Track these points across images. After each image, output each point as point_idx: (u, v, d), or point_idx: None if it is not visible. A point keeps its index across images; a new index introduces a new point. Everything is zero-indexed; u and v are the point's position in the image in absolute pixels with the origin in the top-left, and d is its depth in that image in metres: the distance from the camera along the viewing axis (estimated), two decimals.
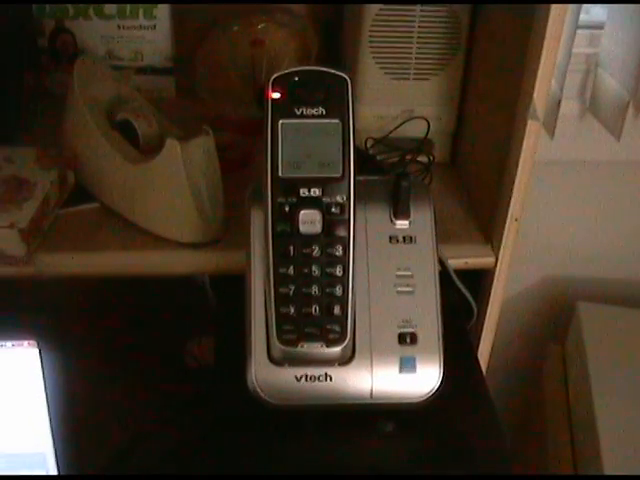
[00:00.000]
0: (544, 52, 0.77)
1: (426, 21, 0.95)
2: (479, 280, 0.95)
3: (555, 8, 0.75)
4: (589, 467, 1.19)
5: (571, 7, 1.02)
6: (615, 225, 1.43)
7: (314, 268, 0.70)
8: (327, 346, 0.70)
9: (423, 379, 0.73)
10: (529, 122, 0.81)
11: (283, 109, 0.70)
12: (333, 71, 0.71)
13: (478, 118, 0.99)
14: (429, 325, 0.74)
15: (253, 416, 0.75)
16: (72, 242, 0.87)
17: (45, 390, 0.84)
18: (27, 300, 0.96)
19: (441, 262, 0.84)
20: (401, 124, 1.00)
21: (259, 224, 0.73)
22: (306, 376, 0.72)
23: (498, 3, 0.91)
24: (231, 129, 1.02)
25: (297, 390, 0.72)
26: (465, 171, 1.02)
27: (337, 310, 0.70)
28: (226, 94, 1.09)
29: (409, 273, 0.75)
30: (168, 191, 0.85)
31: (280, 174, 0.70)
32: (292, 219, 0.70)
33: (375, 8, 0.94)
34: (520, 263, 0.96)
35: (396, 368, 0.72)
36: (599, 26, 1.25)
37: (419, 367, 0.73)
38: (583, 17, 1.18)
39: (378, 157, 0.99)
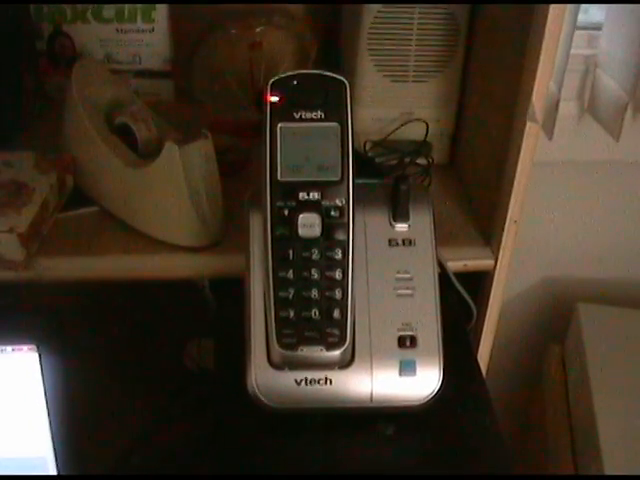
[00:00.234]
0: (543, 53, 0.77)
1: (424, 23, 0.95)
2: (478, 282, 0.94)
3: (553, 9, 0.75)
4: (589, 468, 1.19)
5: (569, 8, 1.02)
6: (614, 226, 1.43)
7: (313, 272, 0.70)
8: (327, 350, 0.70)
9: (423, 382, 0.73)
10: (528, 124, 0.81)
11: (282, 113, 0.70)
12: (332, 74, 0.71)
13: (477, 120, 0.99)
14: (429, 328, 0.74)
15: (253, 419, 0.75)
16: (71, 246, 0.87)
17: (45, 394, 0.84)
18: (27, 305, 0.96)
19: (440, 265, 0.84)
20: (400, 126, 1.00)
21: (258, 228, 0.73)
22: (306, 380, 0.72)
23: (497, 3, 0.91)
24: (229, 132, 1.01)
25: (297, 394, 0.72)
26: (464, 173, 1.02)
27: (337, 314, 0.70)
28: (224, 97, 1.10)
29: (408, 276, 0.75)
30: (167, 195, 0.85)
31: (279, 178, 0.70)
32: (291, 223, 0.70)
33: (373, 10, 0.94)
34: (519, 264, 0.96)
35: (396, 371, 0.72)
36: (597, 27, 1.25)
37: (419, 370, 0.73)
38: (581, 18, 1.18)
39: (377, 159, 0.99)
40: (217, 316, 0.99)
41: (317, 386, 0.72)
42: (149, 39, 1.10)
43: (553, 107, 1.15)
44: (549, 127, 1.16)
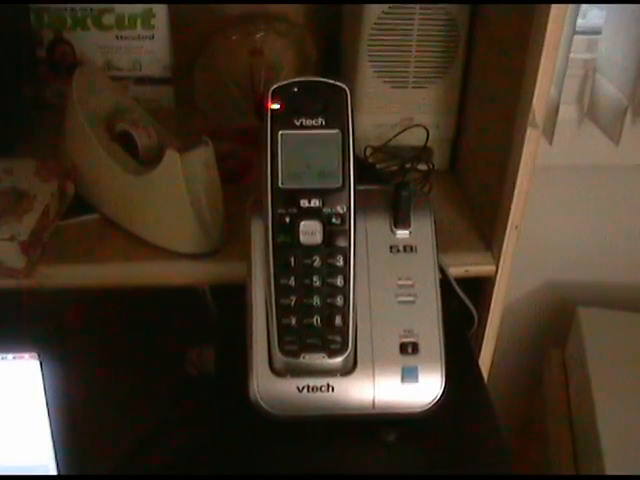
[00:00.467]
0: (543, 59, 0.77)
1: (424, 29, 0.95)
2: (480, 287, 0.94)
3: (553, 14, 0.75)
4: (590, 472, 1.19)
5: (569, 12, 1.02)
6: (615, 230, 1.43)
7: (315, 279, 0.70)
8: (329, 357, 0.70)
9: (425, 388, 0.73)
10: (528, 129, 0.81)
11: (282, 120, 0.70)
12: (332, 81, 0.71)
13: (477, 125, 0.99)
14: (431, 334, 0.74)
15: (254, 426, 0.75)
16: (72, 254, 0.87)
17: (46, 402, 0.84)
18: (28, 312, 0.96)
19: (442, 270, 0.84)
20: (400, 132, 1.00)
21: (259, 235, 0.73)
22: (308, 387, 0.72)
23: (496, 3, 0.91)
24: (230, 139, 1.02)
25: (299, 401, 0.72)
26: (465, 178, 1.02)
27: (338, 321, 0.70)
28: (225, 104, 1.10)
29: (410, 282, 0.75)
30: (168, 202, 0.85)
31: (280, 185, 0.70)
32: (292, 230, 0.70)
33: (374, 17, 0.94)
34: (520, 268, 0.96)
35: (398, 378, 0.72)
36: (597, 31, 1.25)
37: (421, 376, 0.73)
38: (580, 22, 1.18)
39: (377, 165, 0.99)
40: (218, 322, 0.99)
41: (319, 393, 0.72)
42: (149, 46, 1.10)
43: (553, 112, 1.15)
44: (549, 132, 1.17)
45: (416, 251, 0.76)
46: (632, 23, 1.15)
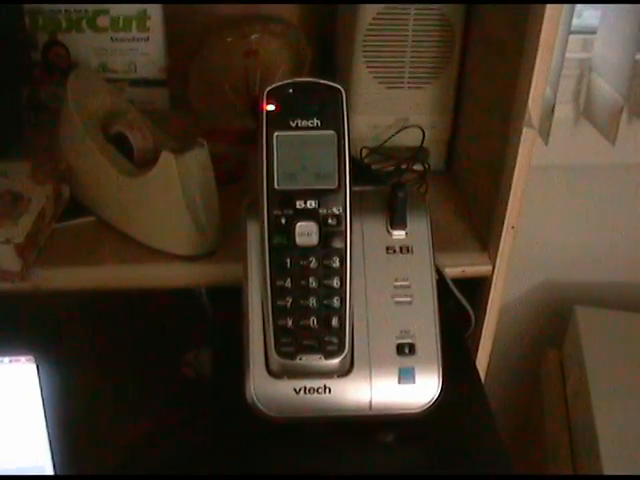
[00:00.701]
0: (538, 59, 0.77)
1: (419, 30, 0.95)
2: (476, 287, 0.94)
3: (548, 14, 0.75)
4: (588, 472, 1.19)
5: (564, 12, 1.02)
6: (611, 229, 1.43)
7: (311, 280, 0.70)
8: (325, 358, 0.70)
9: (422, 389, 0.73)
10: (524, 129, 0.81)
11: (278, 121, 0.70)
12: (327, 82, 0.71)
13: (473, 126, 0.99)
14: (427, 335, 0.74)
15: (251, 428, 0.74)
16: (68, 256, 0.87)
17: (43, 405, 0.84)
18: (24, 315, 0.96)
19: (438, 271, 0.84)
20: (396, 133, 1.00)
21: (255, 236, 0.73)
22: (305, 388, 0.71)
23: (491, 3, 0.91)
24: (225, 140, 1.01)
25: (296, 403, 0.72)
26: (461, 179, 1.02)
27: (335, 322, 0.70)
28: (220, 105, 1.09)
29: (406, 283, 0.75)
30: (164, 204, 0.85)
31: (276, 186, 0.70)
32: (288, 231, 0.70)
33: (369, 17, 0.94)
34: (517, 268, 0.96)
35: (395, 379, 0.72)
36: (592, 31, 1.25)
37: (418, 377, 0.72)
38: (576, 22, 1.18)
39: (373, 166, 0.99)
40: (214, 324, 0.99)
41: (316, 395, 0.72)
42: (144, 48, 1.10)
43: (549, 111, 1.15)
44: (545, 131, 1.17)
45: (412, 252, 0.76)
46: (627, 22, 1.15)
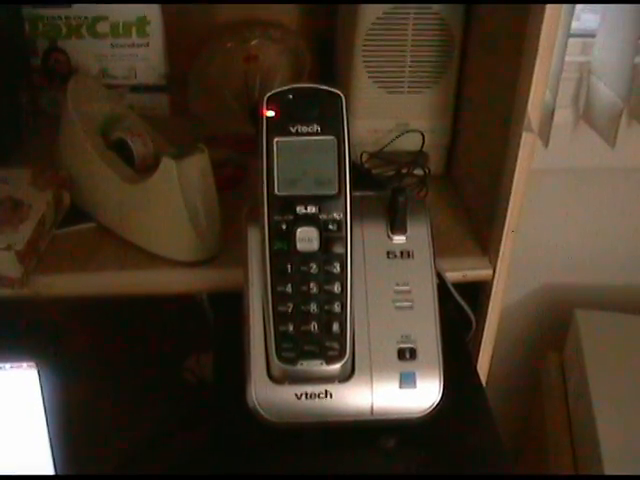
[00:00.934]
0: (537, 62, 0.77)
1: (419, 34, 0.95)
2: (477, 291, 0.94)
3: (548, 17, 0.75)
4: (590, 473, 1.19)
5: (563, 15, 1.02)
6: (611, 232, 1.43)
7: (312, 285, 0.70)
8: (327, 363, 0.70)
9: (423, 394, 0.73)
10: (524, 133, 0.81)
11: (278, 127, 0.70)
12: (327, 88, 0.71)
13: (473, 130, 0.99)
14: (428, 340, 0.74)
15: (252, 432, 0.74)
16: (69, 263, 0.87)
17: (44, 411, 0.84)
18: (25, 322, 0.96)
19: (439, 275, 0.84)
20: (396, 137, 1.00)
21: (256, 242, 0.73)
22: (306, 394, 0.71)
23: (489, 3, 0.91)
24: (226, 146, 1.02)
25: (297, 408, 0.72)
26: (461, 183, 1.02)
27: (336, 327, 0.70)
28: (220, 110, 1.10)
29: (407, 288, 0.75)
30: (164, 210, 0.85)
31: (276, 192, 0.70)
32: (289, 237, 0.70)
33: (368, 22, 0.94)
34: (517, 271, 0.96)
35: (396, 384, 0.72)
36: (591, 34, 1.25)
37: (419, 382, 0.72)
38: (575, 25, 1.18)
39: (373, 171, 0.99)
40: (215, 329, 0.99)
41: (317, 400, 0.71)
42: (144, 53, 1.10)
43: (548, 115, 1.15)
44: (545, 135, 1.17)
45: (413, 256, 0.76)
46: (626, 25, 1.15)
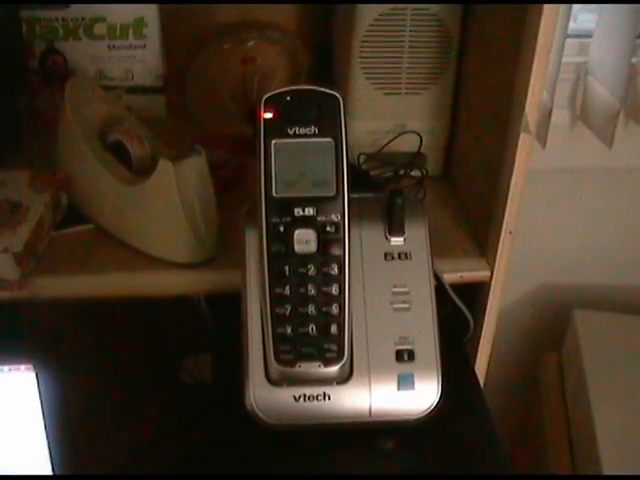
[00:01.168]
0: (535, 64, 0.77)
1: (416, 36, 0.95)
2: (474, 292, 0.94)
3: (545, 18, 0.75)
4: (588, 474, 1.19)
5: (560, 16, 1.02)
6: (609, 232, 1.43)
7: (310, 287, 0.70)
8: (325, 365, 0.70)
9: (422, 395, 0.73)
10: (522, 135, 0.81)
11: (276, 129, 0.70)
12: (325, 90, 0.71)
13: (470, 131, 0.99)
14: (426, 341, 0.74)
15: (250, 434, 0.74)
16: (67, 265, 0.87)
17: (43, 413, 0.84)
18: (23, 324, 0.96)
19: (436, 277, 0.84)
20: (393, 139, 1.00)
21: (254, 244, 0.73)
22: (304, 396, 0.71)
23: (487, 3, 0.91)
24: (223, 147, 1.01)
25: (295, 410, 0.72)
26: (459, 184, 1.02)
27: (334, 329, 0.70)
28: (217, 112, 1.10)
29: (405, 290, 0.75)
30: (161, 211, 0.85)
31: (274, 194, 0.70)
32: (287, 239, 0.70)
33: (365, 23, 0.94)
34: (515, 271, 0.96)
35: (394, 385, 0.72)
36: (588, 35, 1.25)
37: (417, 384, 0.73)
38: (572, 26, 1.18)
39: (371, 172, 0.99)
40: (213, 330, 0.99)
41: (315, 402, 0.72)
42: (141, 55, 1.10)
43: (546, 116, 1.15)
44: (542, 135, 1.17)
45: (411, 258, 0.76)
46: (623, 25, 1.15)
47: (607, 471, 1.12)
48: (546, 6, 0.75)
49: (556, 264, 1.47)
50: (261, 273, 0.71)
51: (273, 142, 0.70)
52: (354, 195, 0.71)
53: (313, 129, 0.70)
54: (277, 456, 0.76)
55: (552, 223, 1.42)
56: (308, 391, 0.71)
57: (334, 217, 0.70)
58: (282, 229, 0.70)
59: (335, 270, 0.70)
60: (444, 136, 1.02)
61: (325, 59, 1.11)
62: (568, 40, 1.16)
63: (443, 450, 0.77)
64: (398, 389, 0.72)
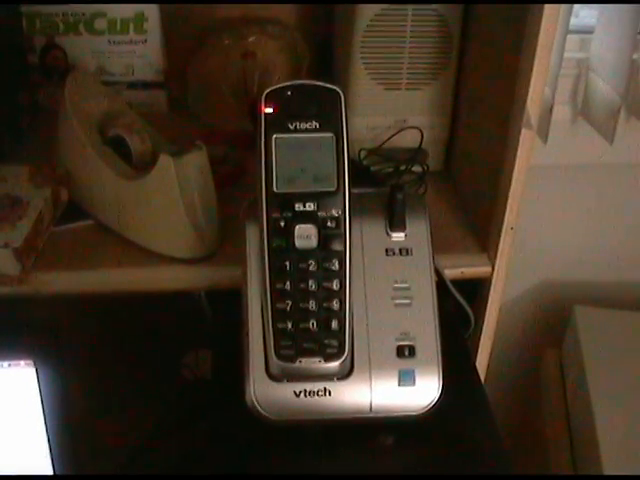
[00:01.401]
0: (536, 59, 0.77)
1: (417, 31, 0.95)
2: (476, 287, 0.94)
3: (547, 14, 0.75)
4: (588, 471, 1.19)
5: (562, 12, 1.02)
6: (610, 228, 1.43)
7: (311, 283, 0.70)
8: (325, 361, 0.70)
9: (423, 391, 0.73)
10: (523, 130, 0.81)
11: (276, 124, 0.70)
12: (326, 85, 0.71)
13: (471, 126, 0.99)
14: (427, 337, 0.73)
15: (251, 429, 0.74)
16: (67, 260, 0.87)
17: (43, 409, 0.84)
18: (23, 319, 0.96)
19: (437, 272, 0.84)
20: (394, 134, 1.00)
21: (254, 239, 0.73)
22: (305, 391, 0.71)
23: (489, 3, 0.91)
24: (224, 142, 1.01)
25: (296, 406, 0.71)
26: (460, 180, 1.02)
27: (335, 325, 0.70)
28: (218, 107, 1.09)
29: (406, 285, 0.75)
30: (162, 207, 0.85)
31: (275, 189, 0.70)
32: (288, 234, 0.70)
33: (366, 18, 0.94)
34: (515, 267, 0.96)
35: (395, 381, 0.72)
36: (589, 30, 1.25)
37: (418, 379, 0.72)
38: (573, 21, 1.18)
39: (372, 168, 0.99)
40: (214, 326, 0.99)
41: (316, 397, 0.71)
42: (142, 50, 1.10)
43: (547, 111, 1.15)
44: (543, 131, 1.17)
45: (412, 253, 0.76)
46: (624, 22, 1.15)
47: (607, 467, 1.12)
48: (547, 5, 0.75)
49: (557, 260, 1.47)
50: (262, 268, 0.71)
51: (274, 137, 0.70)
52: (355, 190, 0.71)
53: (314, 124, 0.70)
54: (277, 452, 0.76)
55: (553, 219, 1.42)
56: (309, 387, 0.71)
57: (335, 212, 0.70)
58: (283, 224, 0.70)
59: (336, 265, 0.70)
60: (445, 131, 1.02)
61: (326, 54, 1.11)
62: (569, 36, 1.15)
63: (444, 446, 0.77)
64: (399, 385, 0.72)
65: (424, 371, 0.73)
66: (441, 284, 0.86)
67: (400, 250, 0.76)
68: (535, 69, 0.78)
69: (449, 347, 0.75)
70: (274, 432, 0.74)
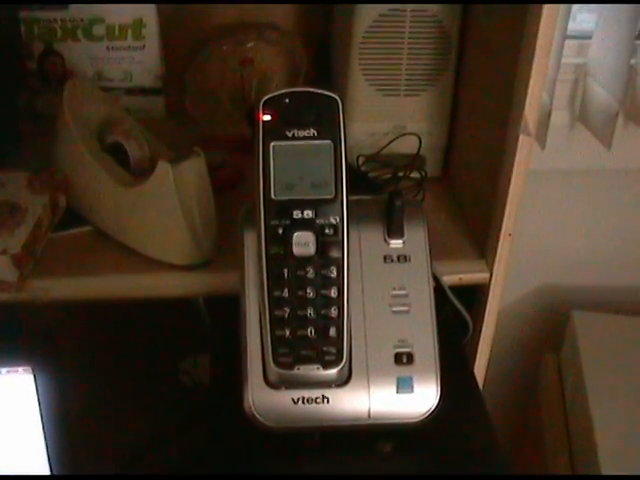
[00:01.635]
0: (534, 65, 0.77)
1: (415, 37, 0.95)
2: (474, 294, 0.94)
3: (545, 19, 0.75)
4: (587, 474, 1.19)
5: (560, 17, 1.02)
6: (608, 233, 1.43)
7: (309, 290, 0.70)
8: (324, 368, 0.70)
9: (421, 399, 0.73)
10: (521, 136, 0.81)
11: (274, 131, 0.70)
12: (324, 92, 0.71)
13: (470, 132, 0.99)
14: (425, 344, 0.73)
15: (248, 436, 0.74)
16: (65, 266, 0.87)
17: (41, 415, 0.84)
18: (21, 326, 0.96)
19: (435, 279, 0.84)
20: (392, 140, 1.00)
21: (252, 246, 0.73)
22: (303, 398, 0.71)
23: (486, 3, 0.91)
24: (222, 148, 1.01)
25: (294, 413, 0.71)
26: (458, 186, 1.02)
27: (333, 332, 0.70)
28: (216, 113, 1.09)
29: (404, 292, 0.75)
30: (160, 213, 0.85)
31: (272, 196, 0.70)
32: (285, 241, 0.70)
33: (364, 25, 0.94)
34: (513, 273, 0.96)
35: (393, 388, 0.72)
36: (587, 36, 1.25)
37: (416, 387, 0.72)
38: (571, 26, 1.18)
39: (370, 174, 0.99)
40: (212, 332, 0.99)
41: (314, 405, 0.71)
42: (140, 56, 1.10)
43: (545, 117, 1.15)
44: (541, 137, 1.17)
45: (410, 260, 0.76)
46: (622, 27, 1.15)
47: (606, 470, 1.12)
48: (546, 6, 0.75)
49: (555, 265, 1.47)
50: (260, 275, 0.71)
51: (272, 144, 0.70)
52: (353, 197, 0.71)
53: (312, 131, 0.70)
54: (275, 459, 0.76)
55: (551, 224, 1.42)
56: (307, 394, 0.71)
57: (333, 219, 0.70)
58: (281, 231, 0.70)
59: (334, 273, 0.70)
60: (443, 137, 1.02)
61: (324, 60, 1.11)
62: (567, 41, 1.16)
63: (442, 453, 0.77)
64: (397, 392, 0.72)
65: (422, 378, 0.73)
66: (439, 291, 0.86)
67: (398, 257, 0.76)
68: (533, 74, 0.78)
69: (447, 354, 0.74)
70: (272, 439, 0.74)
